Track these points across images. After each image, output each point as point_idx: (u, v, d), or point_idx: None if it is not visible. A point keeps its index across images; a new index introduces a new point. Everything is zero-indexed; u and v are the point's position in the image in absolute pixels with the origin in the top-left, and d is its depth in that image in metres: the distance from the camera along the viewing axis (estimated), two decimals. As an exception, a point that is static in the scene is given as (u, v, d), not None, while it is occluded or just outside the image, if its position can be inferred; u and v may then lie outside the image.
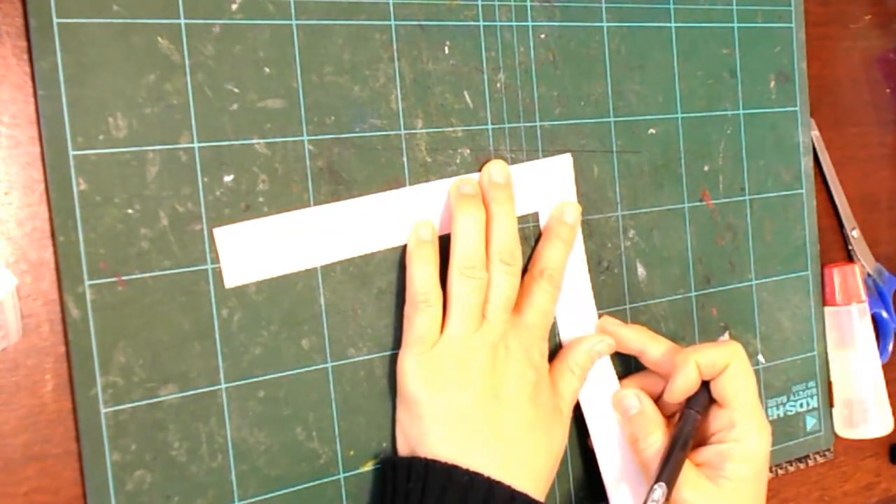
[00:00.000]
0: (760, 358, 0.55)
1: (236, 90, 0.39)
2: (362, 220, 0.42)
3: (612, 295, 0.49)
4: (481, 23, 0.45)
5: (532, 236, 0.47)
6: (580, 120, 0.48)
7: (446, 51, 0.44)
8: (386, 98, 0.43)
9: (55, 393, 0.37)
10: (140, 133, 0.38)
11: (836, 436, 0.58)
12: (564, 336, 0.47)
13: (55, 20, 0.36)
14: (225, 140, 0.39)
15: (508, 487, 0.39)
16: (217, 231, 0.39)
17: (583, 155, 0.48)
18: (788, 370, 0.56)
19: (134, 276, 0.37)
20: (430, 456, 0.40)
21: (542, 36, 0.47)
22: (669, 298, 0.51)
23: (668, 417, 0.47)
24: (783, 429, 0.55)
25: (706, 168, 0.53)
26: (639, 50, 0.50)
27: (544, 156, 0.47)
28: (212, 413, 0.39)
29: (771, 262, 0.55)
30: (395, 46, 0.43)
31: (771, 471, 0.55)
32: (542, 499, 0.41)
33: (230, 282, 0.39)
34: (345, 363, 0.42)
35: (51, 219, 0.36)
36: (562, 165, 0.48)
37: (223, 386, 0.39)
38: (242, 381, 0.40)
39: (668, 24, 0.51)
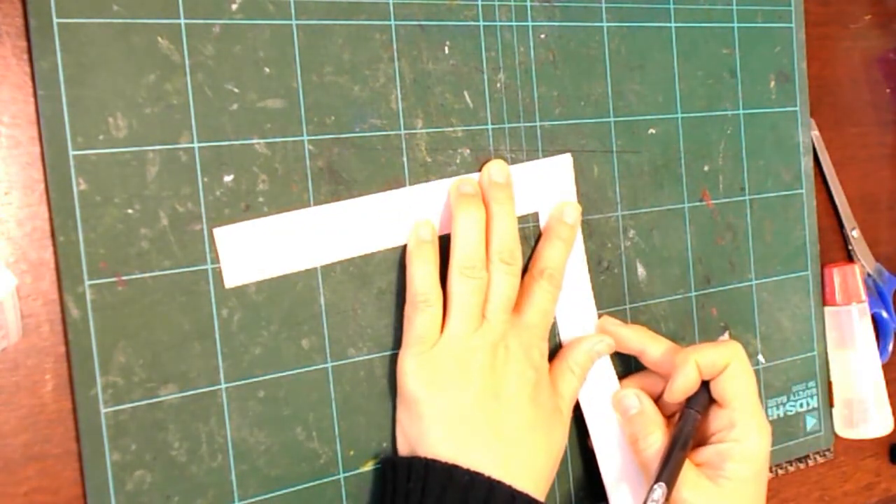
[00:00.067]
0: (760, 358, 0.55)
1: (236, 90, 0.39)
2: (362, 220, 0.42)
3: (612, 295, 0.49)
4: (481, 23, 0.45)
5: (532, 236, 0.47)
6: (580, 120, 0.48)
7: (446, 51, 0.44)
8: (386, 98, 0.43)
9: (55, 393, 0.37)
10: (140, 133, 0.38)
11: (836, 436, 0.58)
12: (564, 336, 0.47)
13: (55, 20, 0.36)
14: (225, 140, 0.39)
15: (509, 487, 0.39)
16: (217, 231, 0.39)
17: (583, 155, 0.48)
18: (788, 370, 0.56)
19: (134, 276, 0.37)
20: (430, 456, 0.40)
21: (542, 36, 0.47)
22: (669, 298, 0.51)
23: (668, 417, 0.47)
24: (783, 429, 0.55)
25: (706, 168, 0.53)
26: (639, 50, 0.50)
27: (544, 156, 0.47)
28: (212, 413, 0.39)
29: (771, 262, 0.55)
30: (395, 46, 0.43)
31: (771, 471, 0.55)
32: (542, 499, 0.41)
33: (230, 282, 0.39)
34: (345, 363, 0.42)
35: (51, 219, 0.36)
36: (562, 165, 0.48)
37: (223, 386, 0.39)
38: (242, 381, 0.40)
39: (668, 24, 0.51)
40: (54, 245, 0.36)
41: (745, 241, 0.54)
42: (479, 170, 0.45)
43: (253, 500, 0.40)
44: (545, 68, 0.47)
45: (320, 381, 0.41)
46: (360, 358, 0.42)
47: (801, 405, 0.56)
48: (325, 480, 0.41)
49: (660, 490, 0.41)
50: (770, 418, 0.54)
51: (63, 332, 0.37)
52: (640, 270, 0.50)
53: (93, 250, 0.37)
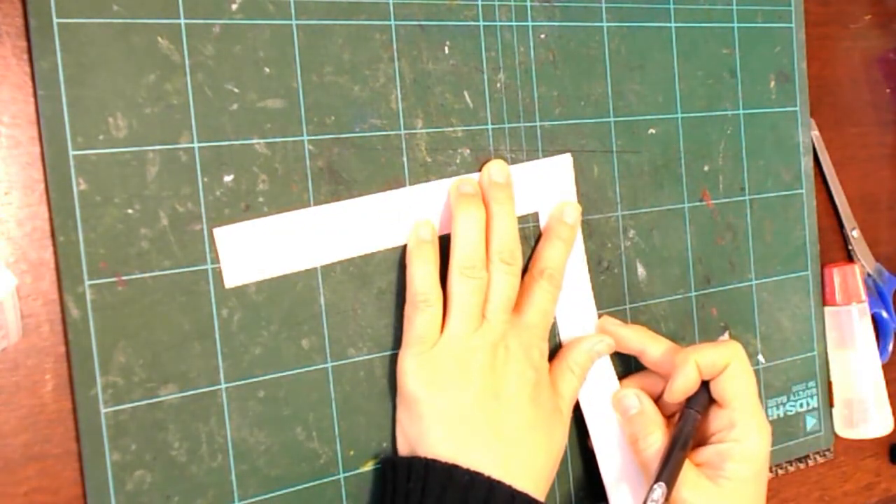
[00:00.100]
0: (760, 358, 0.55)
1: (236, 90, 0.39)
2: (362, 220, 0.42)
3: (612, 295, 0.49)
4: (481, 23, 0.45)
5: (532, 236, 0.47)
6: (580, 120, 0.48)
7: (446, 51, 0.44)
8: (386, 98, 0.43)
9: (55, 393, 0.37)
10: (140, 133, 0.38)
11: (836, 436, 0.58)
12: (564, 336, 0.47)
13: (55, 20, 0.36)
14: (225, 140, 0.39)
15: (509, 487, 0.39)
16: (217, 231, 0.39)
17: (583, 155, 0.48)
18: (788, 370, 0.56)
19: (134, 276, 0.37)
20: (430, 456, 0.40)
21: (542, 36, 0.47)
22: (669, 298, 0.51)
23: (668, 417, 0.47)
24: (783, 429, 0.55)
25: (706, 168, 0.53)
26: (639, 50, 0.50)
27: (544, 156, 0.47)
28: (212, 413, 0.39)
29: (771, 262, 0.55)
30: (395, 46, 0.43)
31: (771, 471, 0.55)
32: (542, 499, 0.41)
33: (230, 282, 0.39)
34: (345, 363, 0.42)
35: (51, 219, 0.36)
36: (562, 165, 0.48)
37: (223, 386, 0.39)
38: (242, 381, 0.40)
39: (668, 24, 0.51)
40: (54, 245, 0.36)
41: (745, 241, 0.54)
42: (479, 170, 0.45)
43: (253, 500, 0.40)
44: (545, 68, 0.47)
45: (320, 381, 0.41)
46: (360, 358, 0.42)
47: (801, 405, 0.56)
48: (325, 480, 0.41)
49: (660, 490, 0.41)
50: (770, 418, 0.54)
51: (63, 332, 0.37)
52: (640, 270, 0.50)
53: (93, 250, 0.37)
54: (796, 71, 0.56)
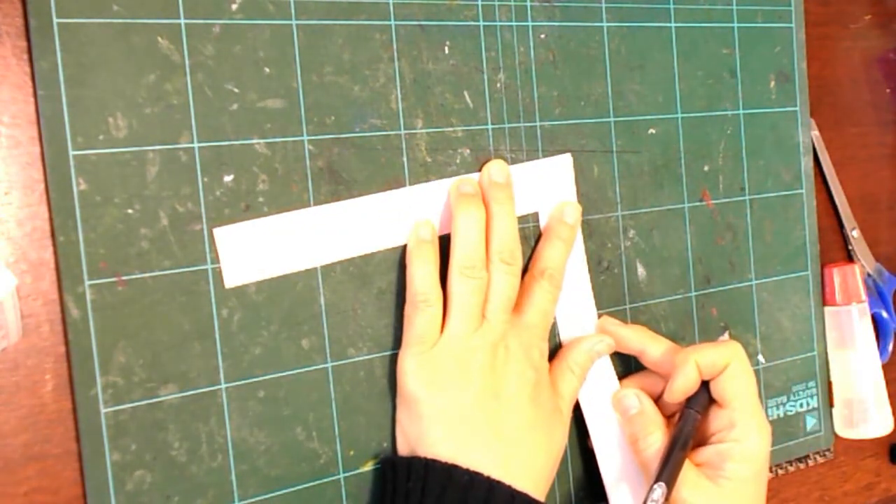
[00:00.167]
0: (760, 358, 0.55)
1: (236, 90, 0.39)
2: (362, 220, 0.42)
3: (612, 295, 0.49)
4: (481, 23, 0.45)
5: (532, 236, 0.47)
6: (580, 120, 0.48)
7: (446, 51, 0.44)
8: (386, 98, 0.43)
9: (55, 393, 0.37)
10: (140, 133, 0.38)
11: (836, 436, 0.58)
12: (564, 336, 0.47)
13: (55, 20, 0.36)
14: (225, 140, 0.39)
15: (508, 487, 0.39)
16: (217, 231, 0.39)
17: (583, 155, 0.48)
18: (788, 370, 0.56)
19: (134, 276, 0.37)
20: (429, 456, 0.40)
21: (542, 36, 0.47)
22: (669, 298, 0.51)
23: (668, 417, 0.47)
24: (783, 429, 0.55)
25: (706, 168, 0.53)
26: (639, 50, 0.50)
27: (544, 156, 0.47)
28: (212, 413, 0.39)
29: (771, 262, 0.55)
30: (395, 46, 0.43)
31: (771, 471, 0.55)
32: (542, 498, 0.41)
33: (230, 282, 0.39)
34: (345, 363, 0.42)
35: (51, 219, 0.36)
36: (562, 165, 0.48)
37: (223, 386, 0.39)
38: (242, 381, 0.40)
39: (668, 24, 0.51)
40: (54, 245, 0.36)
41: (745, 241, 0.54)
42: (479, 170, 0.45)
43: (253, 500, 0.40)
44: (545, 68, 0.47)
45: (320, 381, 0.41)
46: (360, 358, 0.42)
47: (801, 405, 0.56)
48: (325, 480, 0.41)
49: (660, 490, 0.41)
50: (770, 418, 0.54)
51: (63, 332, 0.37)
52: (640, 270, 0.50)
53: (93, 250, 0.37)
54: (796, 71, 0.56)
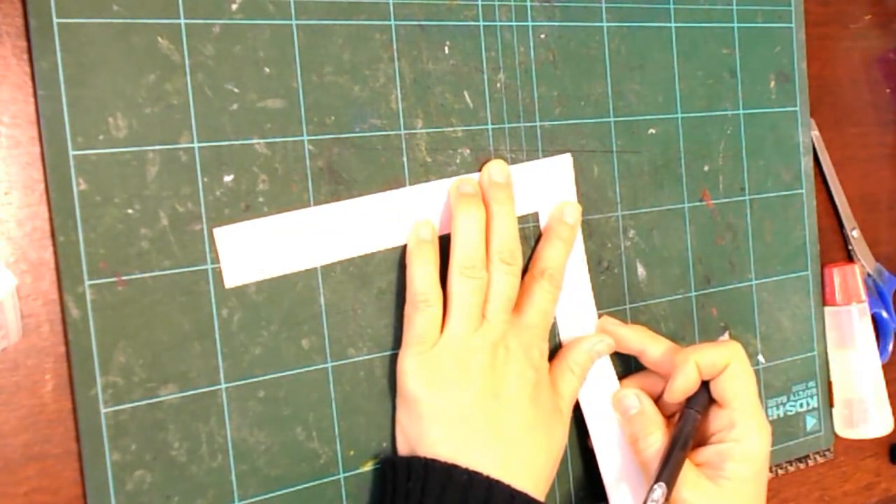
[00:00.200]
0: (760, 358, 0.55)
1: (236, 90, 0.39)
2: (362, 220, 0.42)
3: (612, 295, 0.49)
4: (481, 23, 0.45)
5: (532, 236, 0.47)
6: (580, 120, 0.48)
7: (446, 51, 0.44)
8: (386, 98, 0.43)
9: (55, 393, 0.37)
10: (140, 133, 0.38)
11: (836, 436, 0.58)
12: (564, 336, 0.47)
13: (55, 20, 0.36)
14: (225, 140, 0.39)
15: (508, 487, 0.39)
16: (217, 231, 0.39)
17: (583, 155, 0.48)
18: (788, 370, 0.56)
19: (134, 276, 0.37)
20: (429, 455, 0.40)
21: (542, 36, 0.47)
22: (669, 298, 0.51)
23: (668, 417, 0.47)
24: (783, 429, 0.55)
25: (706, 168, 0.53)
26: (639, 50, 0.50)
27: (544, 156, 0.47)
28: (212, 413, 0.39)
29: (771, 262, 0.55)
30: (395, 46, 0.43)
31: (771, 471, 0.55)
32: (541, 498, 0.41)
33: (230, 282, 0.39)
34: (345, 363, 0.42)
35: (51, 219, 0.36)
36: (562, 165, 0.48)
37: (223, 386, 0.39)
38: (242, 381, 0.40)
39: (668, 24, 0.51)
40: (54, 245, 0.36)
41: (745, 241, 0.54)
42: (479, 170, 0.45)
43: (253, 500, 0.40)
44: (545, 68, 0.47)
45: (320, 381, 0.41)
46: (360, 358, 0.42)
47: (801, 405, 0.56)
48: (325, 480, 0.41)
49: (660, 490, 0.41)
50: (770, 418, 0.54)
51: (63, 332, 0.37)
52: (640, 270, 0.50)
53: (93, 250, 0.37)
54: (796, 71, 0.56)
